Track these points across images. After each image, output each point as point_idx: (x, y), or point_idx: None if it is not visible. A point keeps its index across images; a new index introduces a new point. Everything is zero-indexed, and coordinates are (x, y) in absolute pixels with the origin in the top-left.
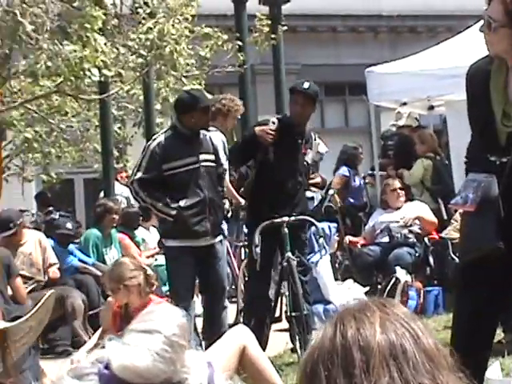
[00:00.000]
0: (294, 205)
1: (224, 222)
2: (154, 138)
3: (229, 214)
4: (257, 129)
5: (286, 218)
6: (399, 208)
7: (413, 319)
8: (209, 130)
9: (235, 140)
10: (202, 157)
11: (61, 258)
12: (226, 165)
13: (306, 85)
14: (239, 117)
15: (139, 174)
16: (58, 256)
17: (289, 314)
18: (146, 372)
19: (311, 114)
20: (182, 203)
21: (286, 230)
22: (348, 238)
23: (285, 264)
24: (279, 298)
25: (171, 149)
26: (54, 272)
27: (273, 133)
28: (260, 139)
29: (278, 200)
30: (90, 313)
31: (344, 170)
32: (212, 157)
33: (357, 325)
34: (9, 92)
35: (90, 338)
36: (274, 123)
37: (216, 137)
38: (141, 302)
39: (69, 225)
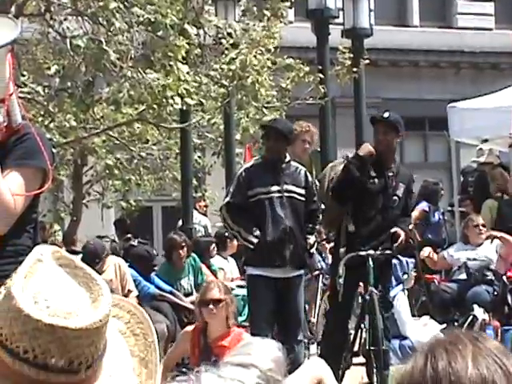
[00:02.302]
0: (381, 239)
1: (307, 255)
2: (242, 165)
3: (312, 250)
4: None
5: (371, 252)
6: (480, 245)
7: (505, 355)
8: (288, 162)
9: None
10: (287, 187)
11: (140, 286)
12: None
13: (386, 114)
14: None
15: (227, 199)
16: (136, 284)
17: (367, 348)
18: None
19: (395, 143)
20: (262, 231)
21: (371, 263)
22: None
23: (367, 298)
24: (359, 332)
25: (256, 175)
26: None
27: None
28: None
29: (367, 234)
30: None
31: (424, 205)
32: (301, 191)
33: (448, 358)
34: (91, 119)
35: None
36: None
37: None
38: (223, 332)
39: (149, 249)
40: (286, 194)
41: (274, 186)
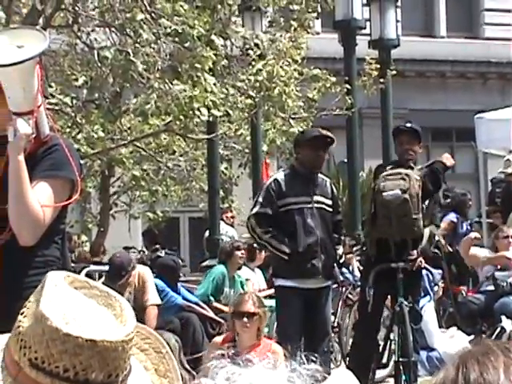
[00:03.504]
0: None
1: (336, 267)
2: (272, 176)
3: (341, 260)
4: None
5: (402, 264)
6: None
7: None
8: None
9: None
10: (317, 198)
11: (166, 297)
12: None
13: (408, 124)
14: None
15: (256, 209)
16: (163, 294)
17: (396, 359)
18: None
19: (417, 153)
20: (293, 242)
21: (401, 275)
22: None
23: (397, 309)
24: (388, 343)
25: (286, 186)
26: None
27: None
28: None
29: (397, 245)
30: (195, 356)
31: (452, 216)
32: (329, 202)
33: (480, 369)
34: (119, 130)
35: (192, 378)
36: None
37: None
38: (253, 343)
39: (179, 263)
40: (316, 205)
41: (304, 197)
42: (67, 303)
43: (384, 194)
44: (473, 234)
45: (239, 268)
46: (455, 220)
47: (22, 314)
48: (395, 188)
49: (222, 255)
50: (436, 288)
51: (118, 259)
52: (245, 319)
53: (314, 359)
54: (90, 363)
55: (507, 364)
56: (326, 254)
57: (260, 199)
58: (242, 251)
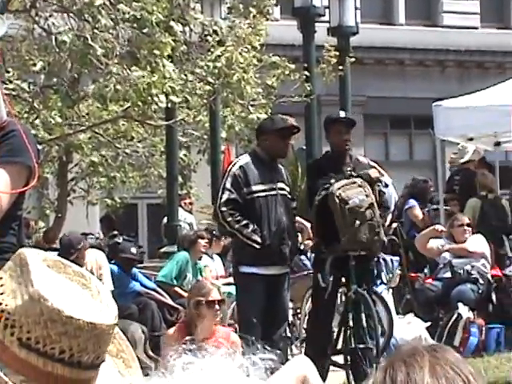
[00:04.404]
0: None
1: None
2: (234, 162)
3: (301, 246)
4: None
5: (354, 252)
6: (463, 243)
7: (463, 363)
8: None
9: (299, 170)
10: (280, 185)
11: (123, 283)
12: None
13: (343, 113)
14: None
15: (225, 197)
16: (120, 280)
17: (352, 346)
18: None
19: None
20: (261, 230)
21: (353, 262)
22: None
23: (352, 296)
24: (342, 330)
25: (251, 173)
26: None
27: None
28: None
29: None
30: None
31: (412, 202)
32: (288, 188)
33: (407, 369)
34: (77, 116)
35: (155, 364)
36: None
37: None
38: (213, 330)
39: (133, 249)
40: (280, 192)
41: (270, 184)
42: (56, 284)
43: (350, 201)
44: (438, 227)
45: (200, 257)
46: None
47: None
48: (358, 195)
49: (184, 243)
50: (391, 275)
51: (66, 238)
52: (217, 307)
53: (271, 347)
54: (86, 346)
55: (432, 363)
56: (292, 243)
57: (228, 186)
58: (206, 240)
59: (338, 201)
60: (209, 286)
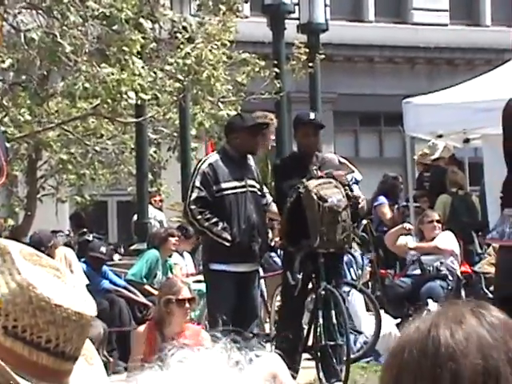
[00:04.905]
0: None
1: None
2: (203, 159)
3: (272, 243)
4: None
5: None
6: (433, 239)
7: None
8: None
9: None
10: (250, 182)
11: (93, 280)
12: (268, 196)
13: (312, 115)
14: (273, 138)
15: (194, 195)
16: (89, 278)
17: (322, 343)
18: None
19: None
20: (233, 228)
21: (322, 259)
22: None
23: (322, 293)
24: (312, 327)
25: (220, 170)
26: None
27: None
28: None
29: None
30: (119, 329)
31: (381, 199)
32: (257, 185)
33: (450, 330)
34: (46, 113)
35: (110, 361)
36: None
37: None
38: (183, 328)
39: (103, 248)
40: (250, 189)
41: (239, 182)
42: (37, 274)
43: (329, 200)
44: (406, 225)
45: (170, 255)
46: (385, 203)
47: None
48: (335, 195)
49: (155, 240)
50: (360, 272)
51: (36, 235)
52: (187, 305)
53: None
54: (71, 336)
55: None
56: (263, 240)
57: (197, 183)
58: (176, 238)
59: (315, 198)
60: (179, 284)
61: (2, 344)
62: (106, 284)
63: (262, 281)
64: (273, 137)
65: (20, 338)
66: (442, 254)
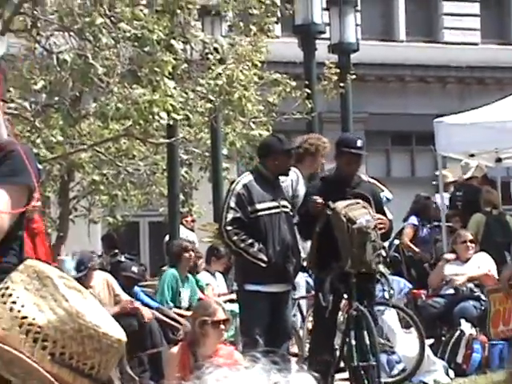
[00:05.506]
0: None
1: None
2: (237, 180)
3: (304, 263)
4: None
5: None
6: (467, 260)
7: None
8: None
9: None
10: (282, 202)
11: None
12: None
13: (359, 142)
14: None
15: (230, 216)
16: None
17: (355, 364)
18: None
19: None
20: (269, 249)
21: (354, 279)
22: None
23: (353, 313)
24: (344, 348)
25: (255, 191)
26: (131, 301)
27: (320, 204)
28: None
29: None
30: (151, 351)
31: (413, 220)
32: (289, 204)
33: None
34: (78, 134)
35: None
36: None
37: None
38: (214, 350)
39: (134, 268)
40: (284, 210)
41: (273, 202)
42: (79, 299)
43: (358, 221)
44: (446, 256)
45: (197, 272)
46: (416, 223)
47: (13, 304)
48: (364, 215)
49: (171, 258)
50: (392, 292)
51: (77, 255)
52: (222, 326)
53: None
54: (112, 361)
55: None
56: (297, 260)
57: (232, 204)
58: (190, 253)
59: (344, 220)
60: (214, 305)
61: (50, 371)
62: (137, 305)
63: (303, 301)
64: (323, 160)
65: (66, 364)
66: (484, 279)
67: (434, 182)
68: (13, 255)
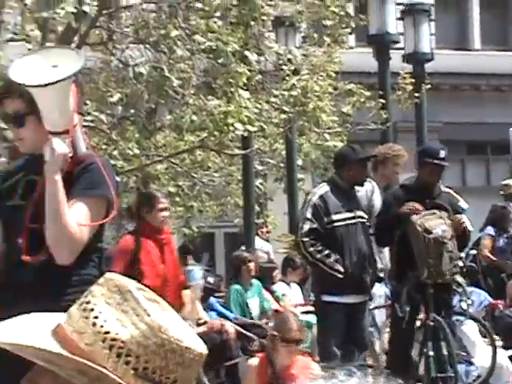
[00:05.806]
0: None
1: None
2: (313, 191)
3: (381, 274)
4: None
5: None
6: None
7: None
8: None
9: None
10: (358, 213)
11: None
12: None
13: (443, 153)
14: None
15: (306, 227)
16: None
17: (433, 375)
18: None
19: None
20: (346, 260)
21: (431, 290)
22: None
23: (431, 324)
24: (422, 359)
25: (331, 202)
26: (221, 324)
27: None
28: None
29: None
30: (229, 363)
31: (489, 230)
32: (365, 215)
33: None
34: (154, 146)
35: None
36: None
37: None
38: (291, 361)
39: (210, 279)
40: (360, 220)
41: (349, 213)
42: (160, 312)
43: (434, 231)
44: None
45: (273, 283)
46: (493, 234)
47: (95, 318)
48: (440, 226)
49: (232, 270)
50: (470, 302)
51: None
52: (295, 346)
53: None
54: (192, 375)
55: None
56: (373, 271)
57: (308, 216)
58: (249, 264)
59: (420, 230)
60: (290, 324)
61: None
62: (213, 316)
63: (377, 311)
64: (398, 169)
65: (150, 378)
66: None
67: (502, 192)
68: (92, 267)
